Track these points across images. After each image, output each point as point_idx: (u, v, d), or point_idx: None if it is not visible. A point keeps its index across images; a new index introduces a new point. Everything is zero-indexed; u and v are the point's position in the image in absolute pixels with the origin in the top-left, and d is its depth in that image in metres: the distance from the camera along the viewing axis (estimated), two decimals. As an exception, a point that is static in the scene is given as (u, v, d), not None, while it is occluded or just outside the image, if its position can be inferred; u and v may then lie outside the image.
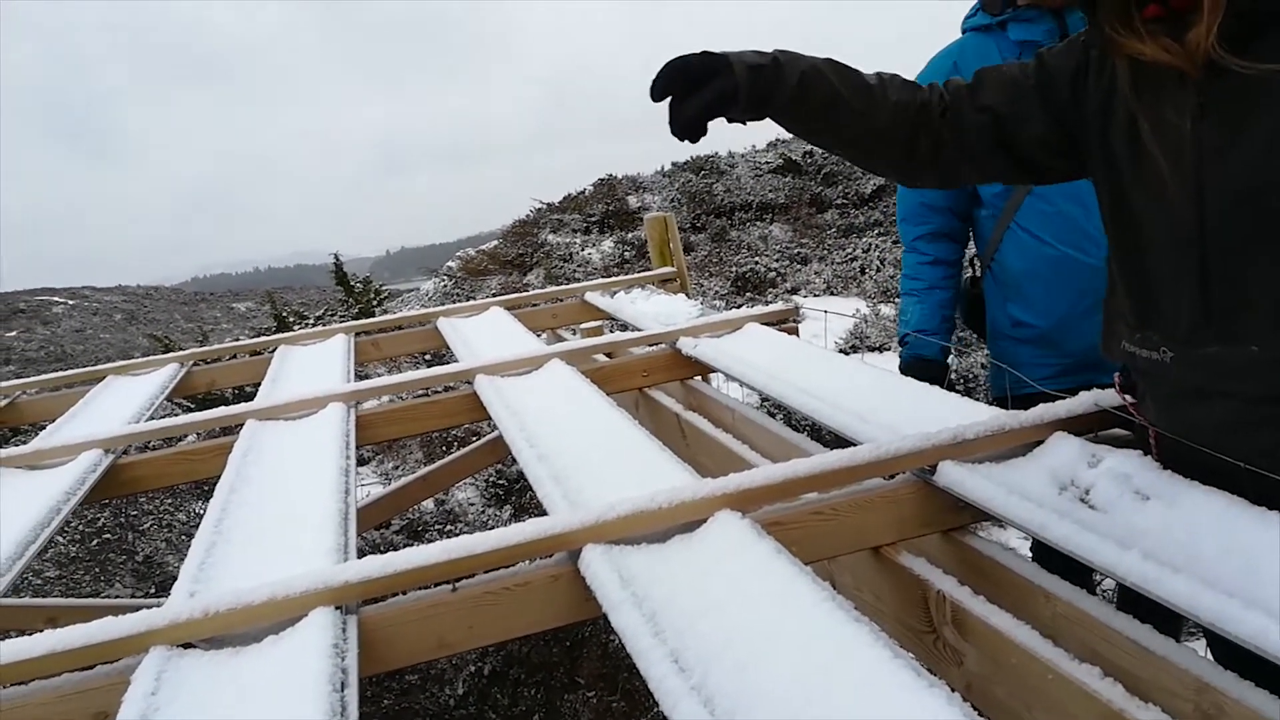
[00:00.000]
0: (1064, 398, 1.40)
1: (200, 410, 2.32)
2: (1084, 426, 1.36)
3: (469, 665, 2.67)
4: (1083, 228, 1.96)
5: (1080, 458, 1.24)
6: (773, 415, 4.07)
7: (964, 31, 2.15)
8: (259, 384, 2.63)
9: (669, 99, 1.18)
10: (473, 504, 4.42)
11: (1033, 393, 1.83)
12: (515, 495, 4.40)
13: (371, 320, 3.42)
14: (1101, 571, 1.04)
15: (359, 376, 2.60)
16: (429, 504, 4.26)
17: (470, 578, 1.21)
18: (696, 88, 1.17)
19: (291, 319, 7.82)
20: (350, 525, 1.45)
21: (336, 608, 1.11)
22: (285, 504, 1.55)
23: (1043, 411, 1.37)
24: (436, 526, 4.05)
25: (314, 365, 2.74)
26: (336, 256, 8.54)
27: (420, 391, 2.32)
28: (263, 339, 3.36)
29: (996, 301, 2.19)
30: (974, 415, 1.44)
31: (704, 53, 1.18)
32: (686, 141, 1.21)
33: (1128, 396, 1.30)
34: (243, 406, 2.11)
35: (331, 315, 7.94)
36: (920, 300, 2.30)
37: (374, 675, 1.24)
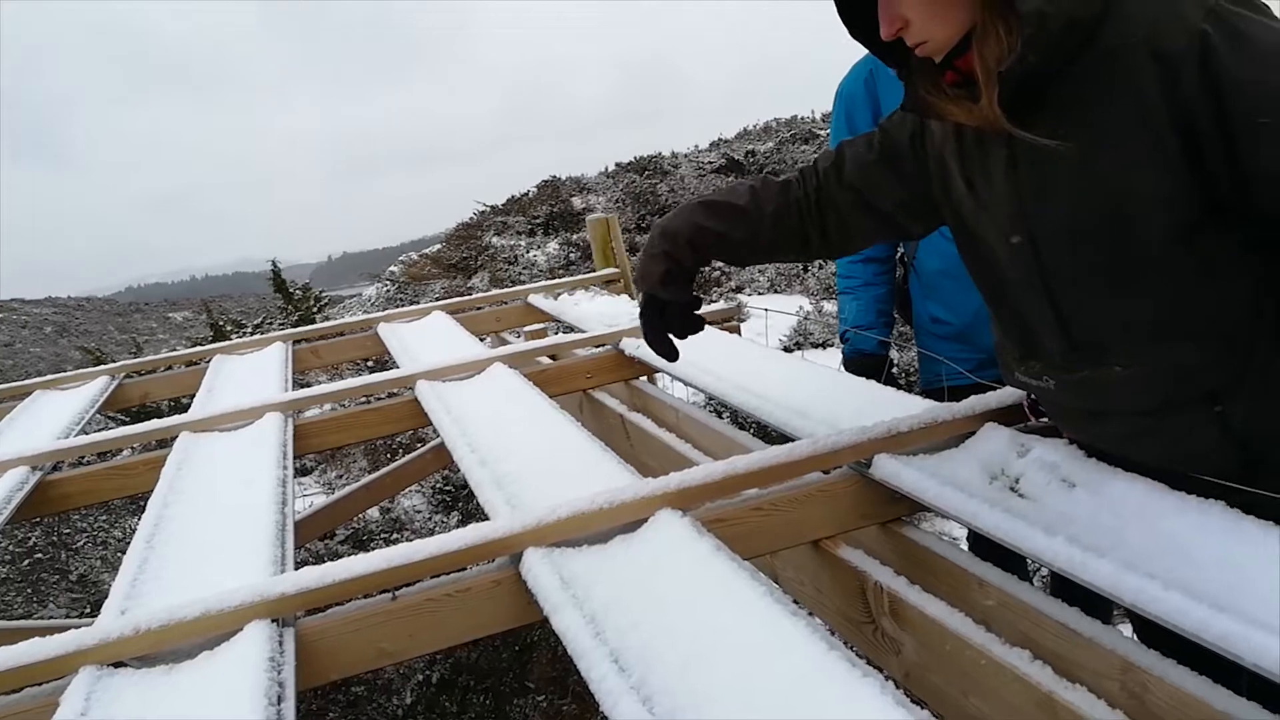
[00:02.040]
0: (994, 388, 1.44)
1: (135, 424, 2.26)
2: (1014, 417, 1.39)
3: (417, 674, 2.64)
4: None
5: (1010, 447, 1.27)
6: (719, 414, 4.10)
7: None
8: (195, 395, 2.57)
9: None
10: (419, 511, 4.37)
11: (965, 384, 1.87)
12: (462, 501, 4.36)
13: (311, 327, 3.36)
14: (1030, 557, 1.07)
15: (299, 385, 2.56)
16: (374, 512, 4.21)
17: (411, 585, 1.20)
18: (665, 320, 1.46)
19: (229, 328, 7.66)
20: (288, 536, 1.42)
21: (273, 620, 1.09)
22: (221, 517, 1.52)
23: (974, 403, 1.40)
24: (382, 535, 4.00)
25: (251, 375, 2.68)
26: (274, 263, 8.39)
27: (361, 399, 2.30)
28: (198, 349, 3.29)
29: (919, 299, 2.24)
30: (909, 408, 1.46)
31: (643, 309, 1.46)
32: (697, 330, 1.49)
33: (1037, 418, 1.35)
34: (176, 419, 2.06)
35: (270, 323, 7.79)
36: (856, 297, 2.35)
37: (317, 687, 1.22)
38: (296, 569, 1.22)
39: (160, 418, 2.13)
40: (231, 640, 1.06)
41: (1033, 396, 1.35)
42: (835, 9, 1.22)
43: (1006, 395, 1.42)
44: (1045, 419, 1.35)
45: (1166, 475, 1.10)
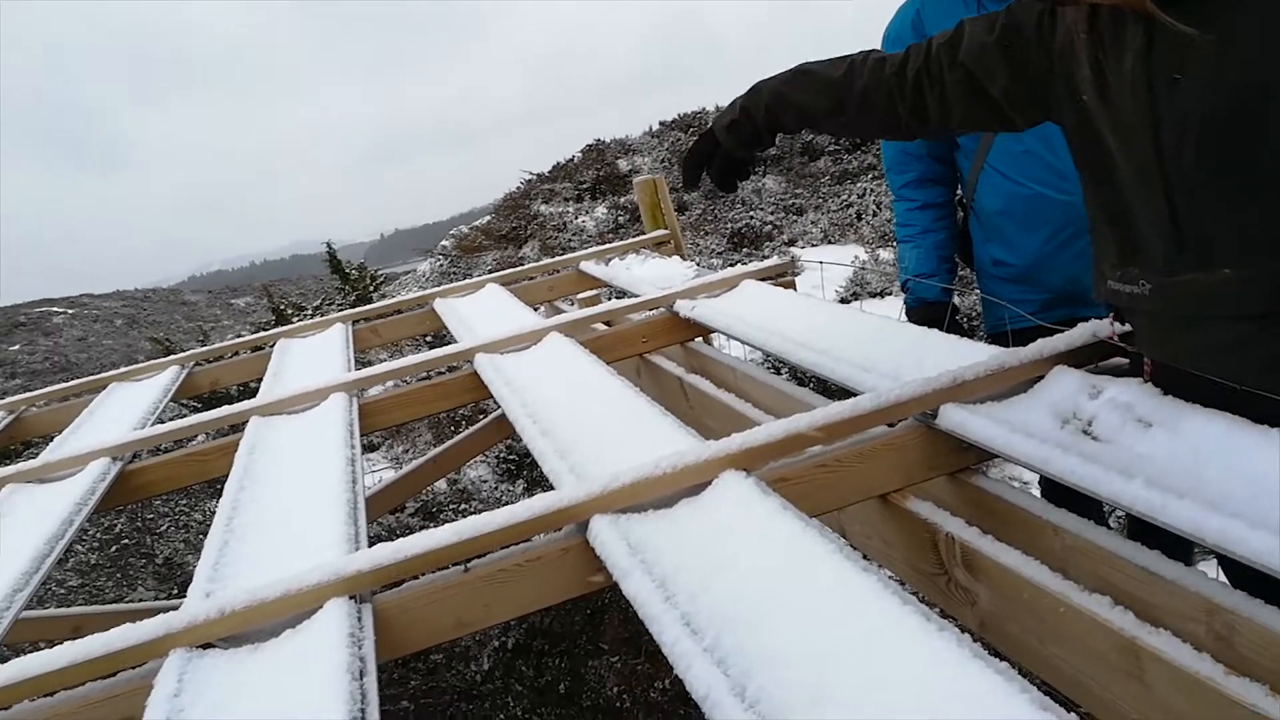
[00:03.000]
0: (1060, 331, 1.40)
1: (206, 410, 2.33)
2: (1083, 359, 1.36)
3: (493, 641, 2.69)
4: (1051, 165, 1.95)
5: (1081, 390, 1.24)
6: (777, 371, 4.08)
7: None
8: (262, 379, 2.63)
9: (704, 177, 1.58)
10: (485, 481, 4.43)
11: (1031, 327, 1.83)
12: (526, 470, 4.42)
13: (369, 307, 3.41)
14: (1107, 502, 1.04)
15: (361, 364, 2.61)
16: (442, 485, 4.28)
17: (481, 557, 1.21)
18: (709, 163, 1.55)
19: (290, 311, 7.81)
20: (360, 514, 1.45)
21: (350, 597, 1.11)
22: (294, 498, 1.56)
23: (1041, 346, 1.36)
24: (451, 506, 4.07)
25: (314, 357, 2.74)
26: (329, 245, 8.50)
27: (422, 375, 2.32)
28: (261, 335, 3.36)
29: (979, 241, 2.19)
30: (974, 356, 1.43)
31: (698, 138, 1.54)
32: (728, 190, 1.61)
33: (1118, 326, 1.30)
34: (245, 404, 2.11)
35: (329, 304, 7.93)
36: (915, 245, 2.30)
37: (397, 658, 1.25)
38: (370, 545, 1.25)
39: (230, 403, 2.19)
40: (312, 618, 1.09)
41: (1116, 320, 1.29)
42: None
43: (1075, 337, 1.38)
44: (1123, 351, 1.29)
45: (1250, 401, 1.06)
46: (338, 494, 1.51)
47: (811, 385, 3.27)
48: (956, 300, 2.43)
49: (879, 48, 2.28)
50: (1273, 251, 1.02)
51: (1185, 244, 1.09)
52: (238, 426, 2.07)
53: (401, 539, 1.21)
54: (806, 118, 1.47)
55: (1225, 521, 0.91)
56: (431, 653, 2.74)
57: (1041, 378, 1.32)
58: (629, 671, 2.50)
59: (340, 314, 3.24)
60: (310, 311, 7.80)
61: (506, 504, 1.35)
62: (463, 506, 4.09)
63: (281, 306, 8.00)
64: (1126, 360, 1.39)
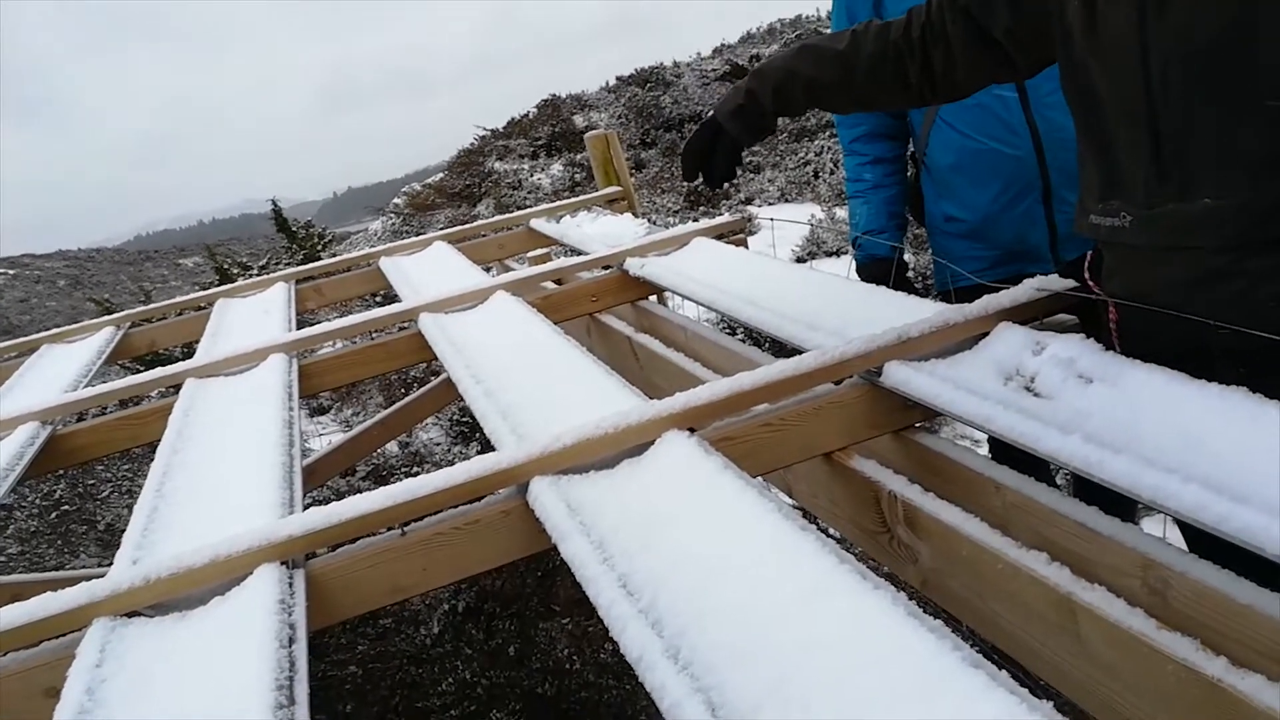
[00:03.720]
0: (1005, 288, 1.39)
1: (141, 373, 2.26)
2: (1028, 314, 1.35)
3: (443, 604, 2.68)
4: (1004, 119, 1.94)
5: (1025, 346, 1.24)
6: (732, 331, 4.07)
7: None
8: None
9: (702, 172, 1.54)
10: (438, 444, 4.39)
11: (976, 285, 1.82)
12: (480, 432, 4.38)
13: (312, 265, 3.32)
14: (1046, 458, 1.04)
15: (305, 324, 2.54)
16: (393, 447, 4.24)
17: (420, 520, 1.19)
18: (711, 154, 1.50)
19: (235, 271, 7.63)
20: (295, 478, 1.42)
21: (282, 563, 1.08)
22: (229, 462, 1.51)
23: (986, 303, 1.36)
24: (402, 470, 4.03)
25: (254, 317, 2.66)
26: (275, 202, 8.29)
27: (366, 335, 2.27)
28: (202, 294, 3.27)
29: (931, 197, 2.18)
30: (920, 313, 1.42)
31: (699, 126, 1.50)
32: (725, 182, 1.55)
33: (1090, 281, 1.30)
34: (180, 366, 2.05)
35: (276, 264, 7.75)
36: (866, 201, 2.28)
37: (346, 623, 1.22)
38: (306, 510, 1.22)
39: (172, 365, 2.12)
40: (241, 585, 1.06)
41: (1097, 255, 1.31)
42: None
43: (1020, 293, 1.38)
44: (1095, 293, 1.30)
45: (1215, 334, 1.06)
46: (273, 458, 1.47)
47: (767, 346, 3.26)
48: (909, 258, 2.43)
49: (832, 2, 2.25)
50: (1252, 180, 1.02)
51: (1167, 174, 1.09)
52: (178, 389, 2.01)
53: (335, 503, 1.18)
54: (815, 93, 1.45)
55: (1160, 476, 0.91)
56: (380, 617, 2.72)
57: (986, 334, 1.32)
58: (580, 633, 2.50)
59: (282, 273, 3.16)
60: (256, 271, 7.63)
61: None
62: (415, 469, 4.05)
63: (227, 266, 7.81)
64: (1072, 317, 1.39)
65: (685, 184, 9.19)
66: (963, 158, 2.02)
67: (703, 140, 1.51)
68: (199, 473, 1.50)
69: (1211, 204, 1.05)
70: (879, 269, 2.23)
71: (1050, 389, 1.12)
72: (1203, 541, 0.93)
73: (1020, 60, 1.32)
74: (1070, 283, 1.36)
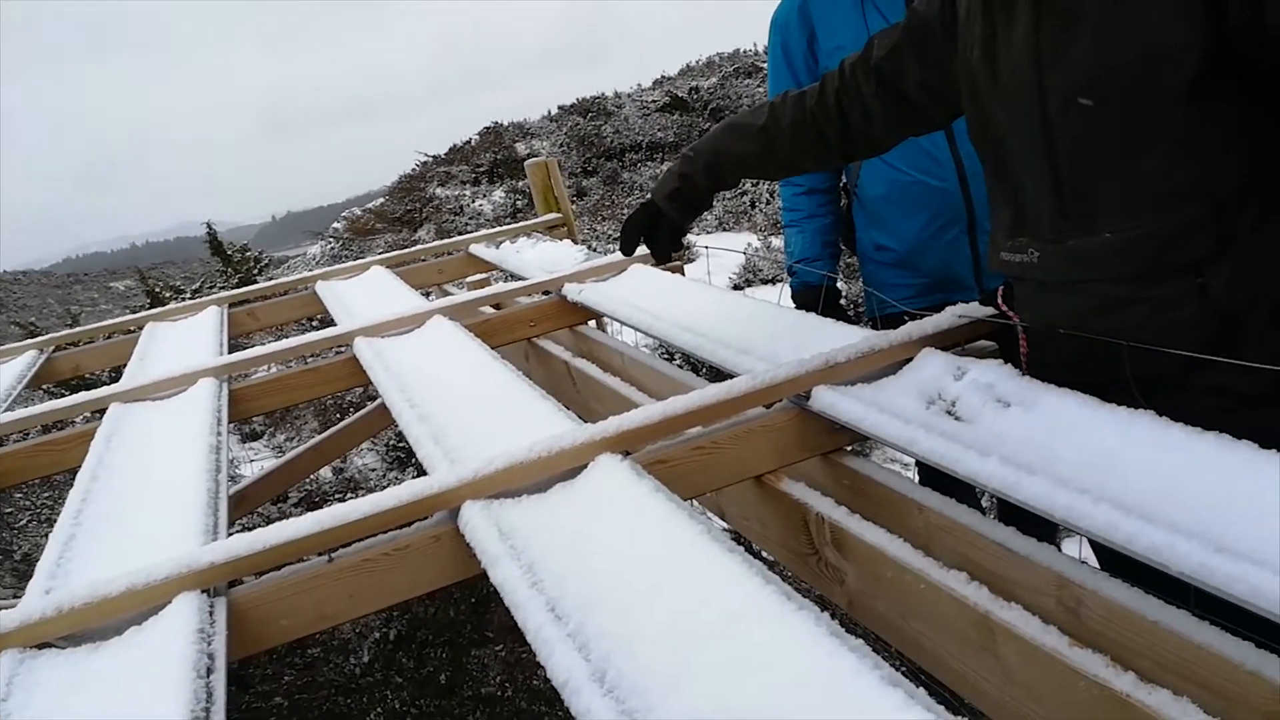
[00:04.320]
0: (931, 315, 1.43)
1: (60, 398, 2.19)
2: (950, 341, 1.39)
3: (374, 632, 2.63)
4: (931, 153, 2.01)
5: (946, 371, 1.27)
6: (670, 358, 4.09)
7: None
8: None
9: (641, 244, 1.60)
10: (373, 469, 4.32)
11: (904, 312, 1.87)
12: (415, 457, 4.32)
13: (246, 289, 3.27)
14: (966, 479, 1.07)
15: (238, 349, 2.49)
16: (327, 473, 4.16)
17: (348, 546, 1.17)
18: (652, 231, 1.57)
19: (167, 294, 7.45)
20: (221, 504, 1.39)
21: (202, 591, 1.06)
22: (151, 488, 1.47)
23: (910, 329, 1.39)
24: (336, 495, 3.95)
25: (184, 341, 2.61)
26: (209, 225, 8.13)
27: (306, 358, 2.24)
28: (130, 318, 3.19)
29: (862, 226, 2.24)
30: (847, 339, 1.46)
31: (639, 207, 1.57)
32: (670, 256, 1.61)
33: (1007, 308, 1.35)
34: (104, 390, 1.99)
35: (210, 288, 7.60)
36: (800, 230, 2.33)
37: (273, 652, 1.20)
38: (231, 537, 1.19)
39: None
40: (159, 614, 1.03)
41: (1008, 287, 1.35)
42: None
43: (941, 320, 1.42)
44: (1008, 317, 1.34)
45: (1141, 352, 1.11)
46: (198, 484, 1.44)
47: (704, 372, 3.29)
48: (841, 286, 2.48)
49: (768, 37, 2.31)
50: (1148, 215, 1.08)
51: (1069, 211, 1.14)
52: (102, 414, 1.95)
53: (260, 529, 1.15)
54: (744, 167, 1.53)
55: (1072, 497, 0.94)
56: (309, 645, 2.66)
57: (910, 360, 1.36)
58: (513, 660, 2.47)
59: (215, 296, 3.10)
60: (189, 295, 7.46)
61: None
62: (348, 495, 3.98)
63: (158, 289, 7.62)
64: (992, 343, 1.43)
65: (627, 213, 9.26)
66: (892, 189, 2.08)
67: (642, 221, 1.57)
68: (120, 500, 1.46)
69: (1111, 238, 1.10)
70: (813, 296, 2.28)
71: (970, 413, 1.16)
72: (1115, 560, 0.96)
73: (934, 112, 1.39)
74: (990, 310, 1.41)
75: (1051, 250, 1.17)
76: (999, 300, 1.37)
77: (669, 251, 1.59)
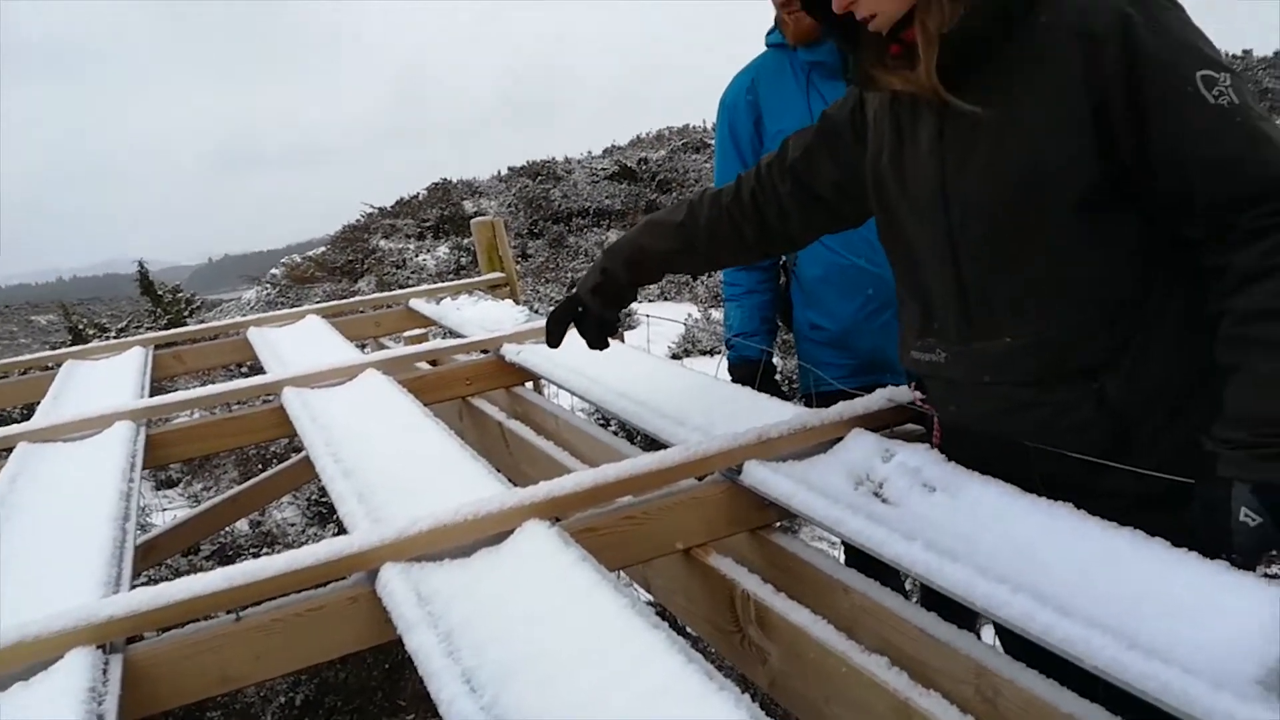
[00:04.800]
0: (862, 395, 1.46)
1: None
2: (880, 422, 1.42)
3: (280, 695, 2.51)
4: (867, 238, 2.06)
5: (875, 453, 1.29)
6: (605, 423, 4.08)
7: (767, 46, 2.23)
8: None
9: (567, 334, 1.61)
10: (293, 524, 4.19)
11: (837, 391, 1.90)
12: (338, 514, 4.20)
13: (174, 331, 3.18)
14: (890, 563, 1.07)
15: (161, 392, 2.41)
16: (244, 526, 4.01)
17: (259, 605, 1.13)
18: (579, 324, 1.59)
19: (91, 331, 7.22)
20: (126, 554, 1.33)
21: (98, 646, 1.00)
22: (54, 534, 1.40)
23: (841, 409, 1.41)
24: (251, 550, 3.81)
25: (104, 381, 2.52)
26: (141, 264, 7.93)
27: (231, 405, 2.18)
28: (47, 354, 3.07)
29: (799, 305, 2.28)
30: (781, 414, 1.47)
31: (565, 299, 1.60)
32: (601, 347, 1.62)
33: (919, 394, 1.38)
34: (12, 428, 1.91)
35: (137, 327, 7.38)
36: (740, 304, 2.36)
37: (170, 714, 1.14)
38: (134, 589, 1.13)
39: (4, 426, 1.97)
40: (49, 669, 0.97)
41: (919, 384, 1.37)
42: None
43: (874, 400, 1.44)
44: (925, 407, 1.37)
45: (1044, 453, 1.13)
46: (104, 532, 1.37)
47: (639, 441, 3.28)
48: (777, 361, 2.51)
49: (716, 117, 2.37)
50: (1045, 321, 1.12)
51: (972, 314, 1.18)
52: (10, 453, 1.86)
53: (166, 583, 1.10)
54: (665, 263, 1.56)
55: (992, 585, 0.95)
56: (209, 709, 2.52)
57: (841, 439, 1.37)
58: (426, 731, 2.39)
59: (141, 337, 3.01)
60: (114, 333, 7.24)
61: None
62: (265, 550, 3.84)
63: (82, 326, 7.38)
64: (920, 427, 1.46)
65: (571, 276, 9.30)
66: (829, 271, 2.13)
67: (567, 313, 1.59)
68: (19, 545, 1.38)
69: (1012, 342, 1.15)
70: (749, 370, 2.30)
71: (897, 495, 1.17)
72: (1019, 646, 0.97)
73: (847, 211, 1.43)
74: (919, 394, 1.44)
75: (958, 352, 1.21)
76: (913, 390, 1.40)
77: (599, 343, 1.61)
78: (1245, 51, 14.83)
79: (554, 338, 1.62)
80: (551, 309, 1.62)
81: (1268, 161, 0.97)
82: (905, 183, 1.23)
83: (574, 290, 1.61)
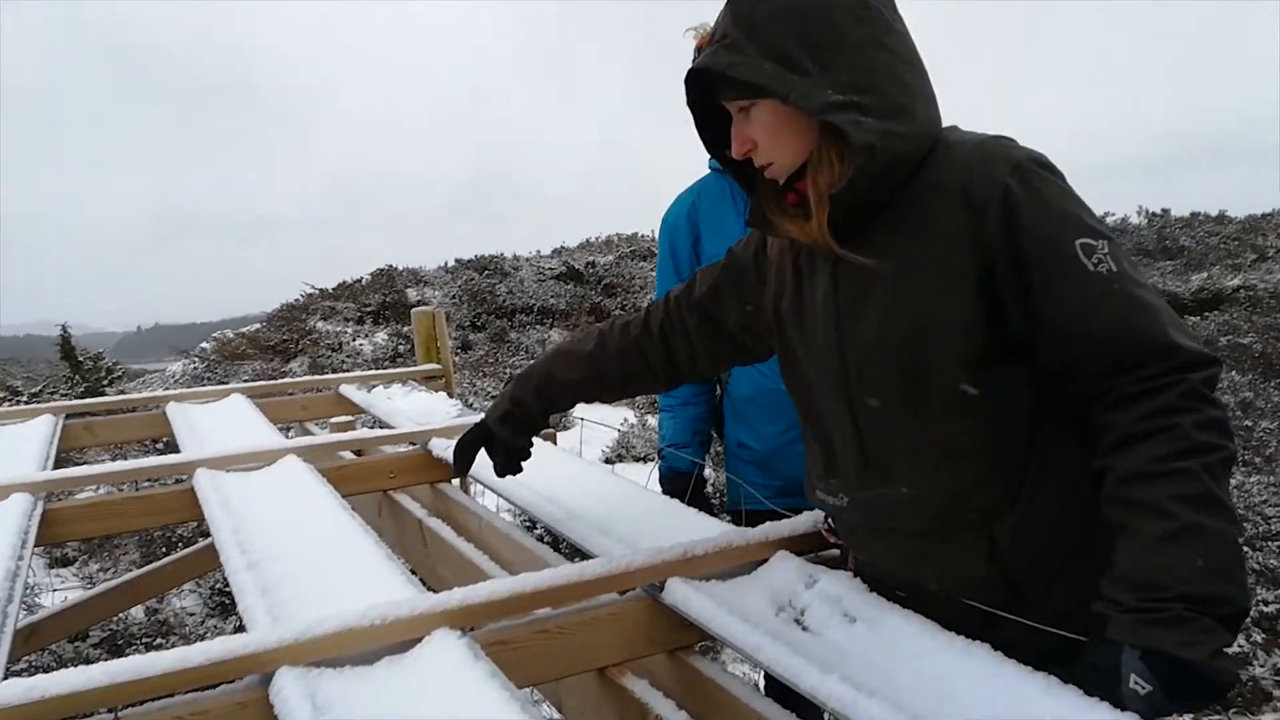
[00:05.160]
0: (789, 516, 1.45)
1: None
2: (805, 545, 1.41)
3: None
4: None
5: (799, 578, 1.28)
6: (531, 526, 4.00)
7: (709, 169, 2.29)
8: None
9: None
10: (192, 613, 3.97)
11: (767, 510, 1.89)
12: (244, 603, 4.00)
13: (88, 401, 3.07)
14: (807, 695, 1.05)
15: (67, 464, 2.31)
16: (139, 613, 3.79)
17: (139, 705, 1.05)
18: (489, 450, 1.57)
19: (1, 395, 6.92)
20: (3, 639, 1.23)
21: (-45, 745, 0.92)
22: (-77, 614, 1.30)
23: (767, 530, 1.40)
24: (144, 639, 3.59)
25: (5, 449, 2.40)
26: (64, 328, 7.68)
27: (139, 484, 2.09)
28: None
29: (729, 421, 2.30)
30: (707, 531, 1.46)
31: (472, 427, 1.59)
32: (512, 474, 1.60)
33: (833, 537, 1.38)
34: (-104, 494, 1.80)
35: (52, 393, 7.10)
36: (674, 416, 2.37)
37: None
38: (8, 678, 1.05)
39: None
40: (-107, 770, 0.89)
41: (829, 520, 1.37)
42: (695, 128, 1.27)
43: (799, 523, 1.44)
44: (837, 543, 1.37)
45: (943, 600, 1.13)
46: (-19, 614, 1.28)
47: (564, 547, 3.22)
48: (709, 473, 2.50)
49: (658, 235, 2.41)
50: (937, 472, 1.13)
51: (871, 462, 1.18)
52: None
53: (42, 675, 1.03)
54: (574, 391, 1.55)
55: (908, 723, 0.93)
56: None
57: (766, 560, 1.36)
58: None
59: (52, 404, 2.89)
60: (26, 398, 6.95)
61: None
62: (159, 641, 3.62)
63: (-9, 388, 7.07)
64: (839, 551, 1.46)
65: (509, 372, 9.27)
66: (759, 393, 2.15)
67: (476, 441, 1.58)
68: (-119, 624, 1.28)
69: (909, 492, 1.15)
70: (680, 482, 2.29)
71: (817, 624, 1.16)
72: None
73: (754, 347, 1.45)
74: (829, 529, 1.44)
75: (859, 498, 1.21)
76: (825, 530, 1.40)
77: (509, 469, 1.58)
78: (1164, 210, 15.76)
79: (461, 466, 1.60)
80: (459, 436, 1.60)
81: (1144, 329, 1.00)
82: (804, 328, 1.25)
83: (483, 418, 1.59)
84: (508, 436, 1.55)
